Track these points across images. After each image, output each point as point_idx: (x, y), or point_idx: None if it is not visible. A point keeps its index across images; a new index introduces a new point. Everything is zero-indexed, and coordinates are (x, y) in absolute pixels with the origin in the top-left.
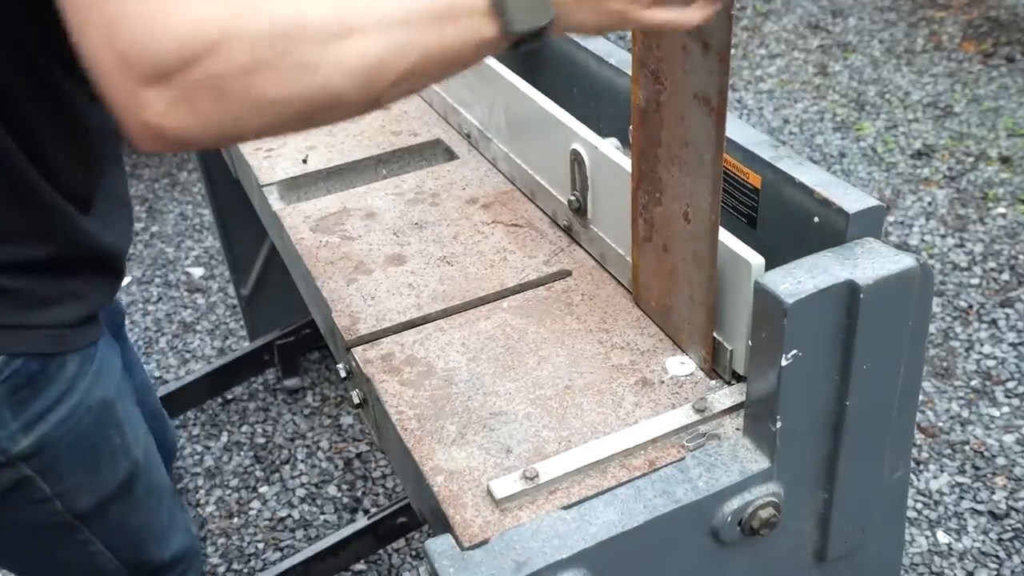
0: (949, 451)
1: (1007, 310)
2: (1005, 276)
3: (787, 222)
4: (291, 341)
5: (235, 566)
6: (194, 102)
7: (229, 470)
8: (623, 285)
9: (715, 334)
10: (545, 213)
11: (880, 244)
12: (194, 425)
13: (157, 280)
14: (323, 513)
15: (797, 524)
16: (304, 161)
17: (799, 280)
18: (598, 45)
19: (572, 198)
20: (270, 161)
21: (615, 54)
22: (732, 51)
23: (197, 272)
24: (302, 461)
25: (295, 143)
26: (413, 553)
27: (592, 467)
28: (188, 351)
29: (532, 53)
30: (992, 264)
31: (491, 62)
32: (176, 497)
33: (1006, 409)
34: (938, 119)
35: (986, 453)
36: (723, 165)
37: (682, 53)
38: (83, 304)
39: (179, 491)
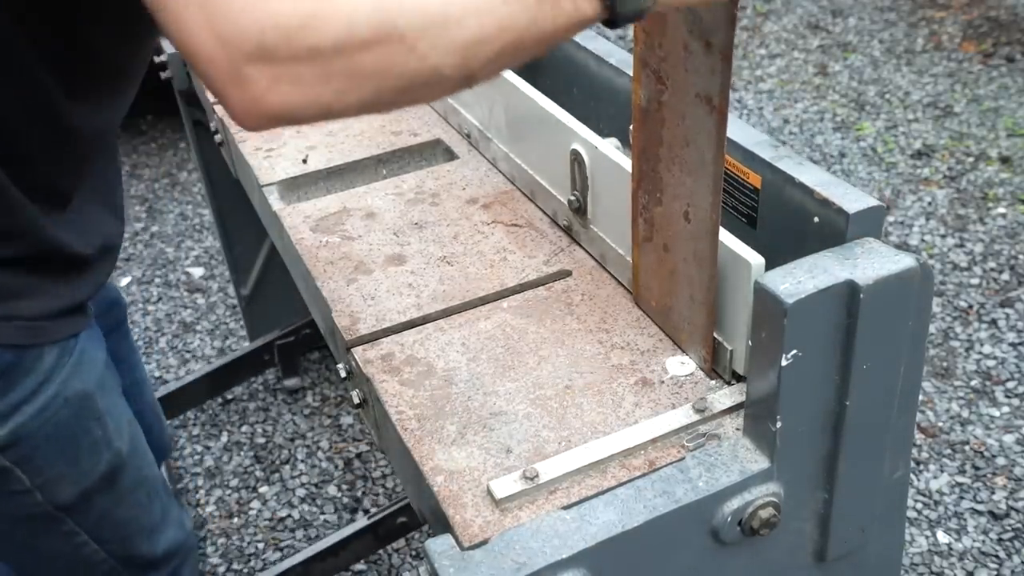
0: (949, 451)
1: (1007, 310)
2: (1005, 276)
3: (787, 222)
4: (291, 341)
5: (235, 566)
6: (295, 78)
7: (229, 470)
8: (623, 285)
9: (715, 334)
10: (545, 213)
11: (880, 244)
12: (194, 425)
13: (157, 280)
14: (323, 513)
15: (797, 524)
16: (304, 161)
17: (799, 280)
18: (598, 45)
19: (572, 198)
20: (270, 161)
21: (615, 54)
22: (733, 50)
23: (197, 272)
24: (302, 461)
25: (295, 143)
26: (413, 553)
27: (592, 467)
28: (188, 351)
29: None
30: (992, 264)
31: None
32: (170, 492)
33: (1006, 409)
34: (938, 119)
35: (986, 453)
36: (724, 164)
37: (684, 52)
38: (58, 298)
39: (179, 491)
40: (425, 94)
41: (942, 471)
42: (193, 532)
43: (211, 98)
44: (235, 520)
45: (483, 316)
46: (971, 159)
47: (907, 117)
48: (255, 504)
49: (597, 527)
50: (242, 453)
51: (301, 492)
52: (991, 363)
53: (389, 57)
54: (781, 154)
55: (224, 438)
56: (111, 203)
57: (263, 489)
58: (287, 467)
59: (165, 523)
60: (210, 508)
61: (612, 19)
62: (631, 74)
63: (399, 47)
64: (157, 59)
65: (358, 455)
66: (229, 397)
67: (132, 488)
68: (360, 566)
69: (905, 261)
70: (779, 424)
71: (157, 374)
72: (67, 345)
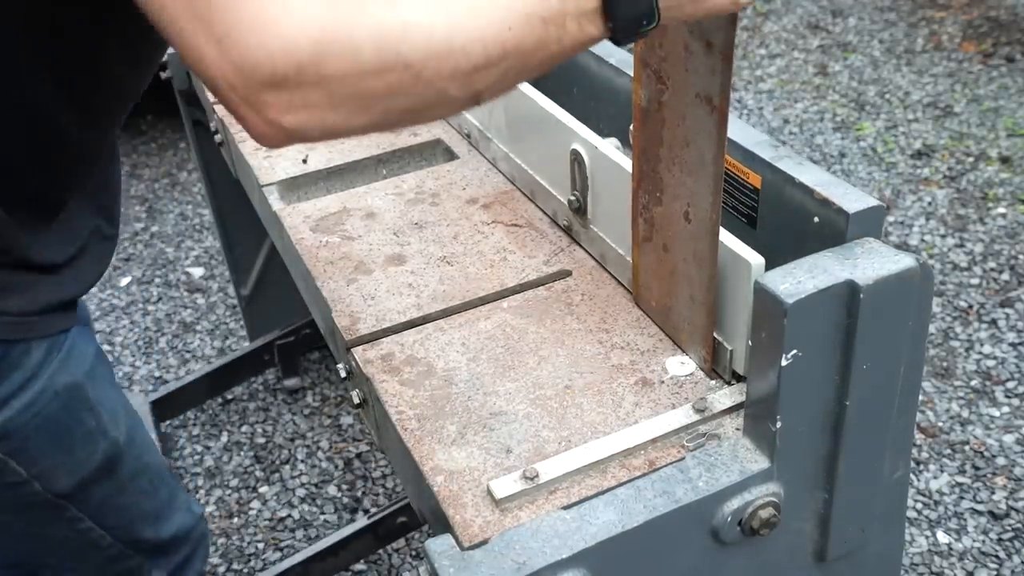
0: (949, 451)
1: (1007, 310)
2: (1005, 276)
3: (787, 222)
4: (291, 341)
5: (235, 566)
6: (306, 103)
7: (229, 470)
8: (623, 285)
9: (715, 334)
10: (545, 213)
11: (880, 244)
12: (194, 425)
13: (157, 280)
14: (323, 513)
15: (797, 524)
16: (304, 161)
17: (799, 280)
18: (598, 45)
19: (572, 198)
20: (270, 161)
21: (615, 54)
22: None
23: (197, 272)
24: (302, 461)
25: None
26: (413, 553)
27: (592, 467)
28: (188, 351)
29: None
30: (992, 264)
31: None
32: (176, 479)
33: (1006, 409)
34: (938, 119)
35: (986, 453)
36: (724, 164)
37: (684, 52)
38: (45, 294)
39: None
40: (433, 114)
41: (942, 471)
42: (204, 519)
43: (211, 98)
44: (235, 520)
45: (483, 316)
46: (971, 159)
47: (907, 117)
48: (255, 504)
49: (597, 527)
50: (242, 453)
51: (301, 492)
52: (991, 363)
53: (396, 83)
54: (781, 154)
55: (224, 438)
56: (107, 208)
57: (263, 489)
58: (287, 467)
59: (172, 509)
60: (210, 508)
61: (617, 39)
62: (631, 74)
63: (405, 74)
64: None
65: (358, 455)
66: (229, 397)
67: (133, 476)
68: (360, 566)
69: (905, 261)
70: (779, 424)
71: (157, 374)
72: (56, 340)
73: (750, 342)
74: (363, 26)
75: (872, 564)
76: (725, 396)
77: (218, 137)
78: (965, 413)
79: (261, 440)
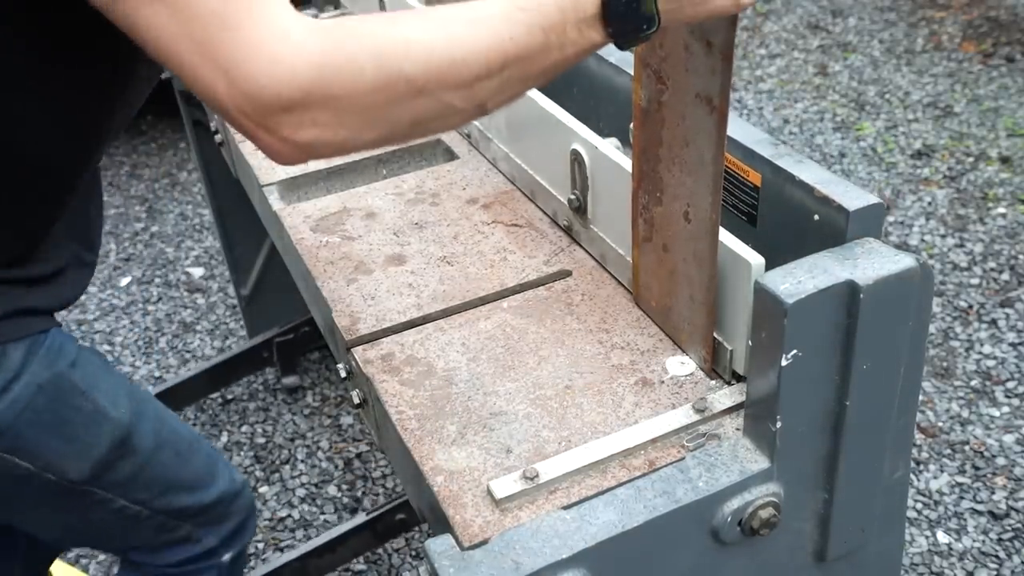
0: (949, 451)
1: (1007, 310)
2: (1005, 276)
3: (787, 220)
4: (290, 339)
5: None
6: (318, 122)
7: None
8: (623, 285)
9: (715, 334)
10: (545, 213)
11: (880, 244)
12: (194, 425)
13: (157, 280)
14: (323, 513)
15: (797, 524)
16: None
17: (799, 280)
18: None
19: (572, 196)
20: (270, 161)
21: (615, 53)
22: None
23: (197, 272)
24: (302, 461)
25: None
26: (413, 553)
27: (592, 467)
28: (188, 351)
29: None
30: (992, 264)
31: None
32: (214, 448)
33: (1006, 409)
34: (938, 119)
35: (986, 453)
36: (724, 164)
37: (685, 52)
38: (20, 300)
39: None
40: (441, 125)
41: (942, 471)
42: (249, 489)
43: None
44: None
45: (483, 316)
46: (971, 159)
47: (907, 117)
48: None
49: (597, 527)
50: (242, 453)
51: (301, 492)
52: (991, 363)
53: (400, 98)
54: (781, 152)
55: (224, 438)
56: (86, 237)
57: (263, 489)
58: (287, 467)
59: (211, 476)
60: None
61: (618, 43)
62: (631, 72)
63: (408, 88)
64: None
65: (358, 455)
66: (229, 397)
67: (154, 449)
68: (360, 566)
69: (905, 261)
70: (779, 424)
71: (157, 374)
72: (36, 340)
73: (750, 342)
74: (363, 46)
75: (872, 564)
76: (725, 396)
77: (218, 137)
78: (965, 413)
79: (261, 440)
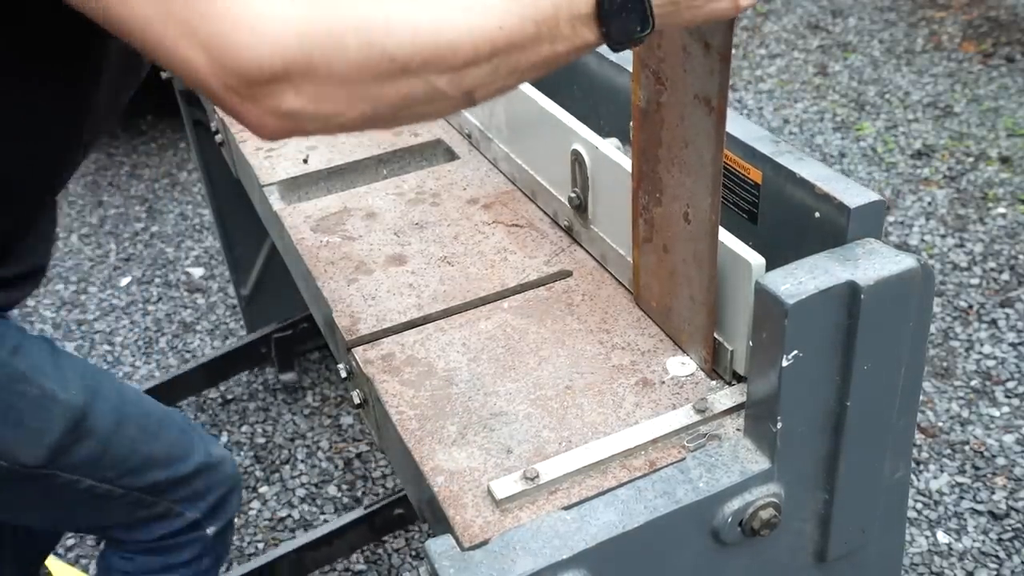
0: (949, 451)
1: (1007, 310)
2: (1005, 276)
3: (788, 217)
4: (288, 335)
5: (235, 566)
6: (301, 93)
7: None
8: (624, 285)
9: (715, 334)
10: (546, 213)
11: (881, 244)
12: None
13: (157, 280)
14: (323, 513)
15: (797, 525)
16: (305, 161)
17: (800, 281)
18: None
19: (572, 195)
20: (271, 161)
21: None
22: (732, 51)
23: (197, 272)
24: (302, 461)
25: (295, 143)
26: (413, 553)
27: (592, 467)
28: (188, 351)
29: None
30: (992, 264)
31: None
32: (188, 421)
33: (1006, 409)
34: (938, 119)
35: (986, 453)
36: (723, 164)
37: (683, 53)
38: None
39: None
40: (428, 110)
41: (942, 471)
42: (232, 462)
43: None
44: (235, 520)
45: (484, 316)
46: (971, 159)
47: (907, 117)
48: (255, 504)
49: (597, 527)
50: (242, 453)
51: (301, 492)
52: (991, 363)
53: (382, 76)
54: (782, 149)
55: (224, 438)
56: (46, 251)
57: (263, 489)
58: (287, 467)
59: (184, 450)
60: None
61: (612, 44)
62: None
63: (391, 67)
64: None
65: (358, 455)
66: (229, 397)
67: (115, 428)
68: (361, 566)
69: (906, 262)
70: (780, 425)
71: (157, 374)
72: None
73: (751, 342)
74: (347, 21)
75: (872, 564)
76: (726, 396)
77: (218, 137)
78: (965, 413)
79: (261, 440)
